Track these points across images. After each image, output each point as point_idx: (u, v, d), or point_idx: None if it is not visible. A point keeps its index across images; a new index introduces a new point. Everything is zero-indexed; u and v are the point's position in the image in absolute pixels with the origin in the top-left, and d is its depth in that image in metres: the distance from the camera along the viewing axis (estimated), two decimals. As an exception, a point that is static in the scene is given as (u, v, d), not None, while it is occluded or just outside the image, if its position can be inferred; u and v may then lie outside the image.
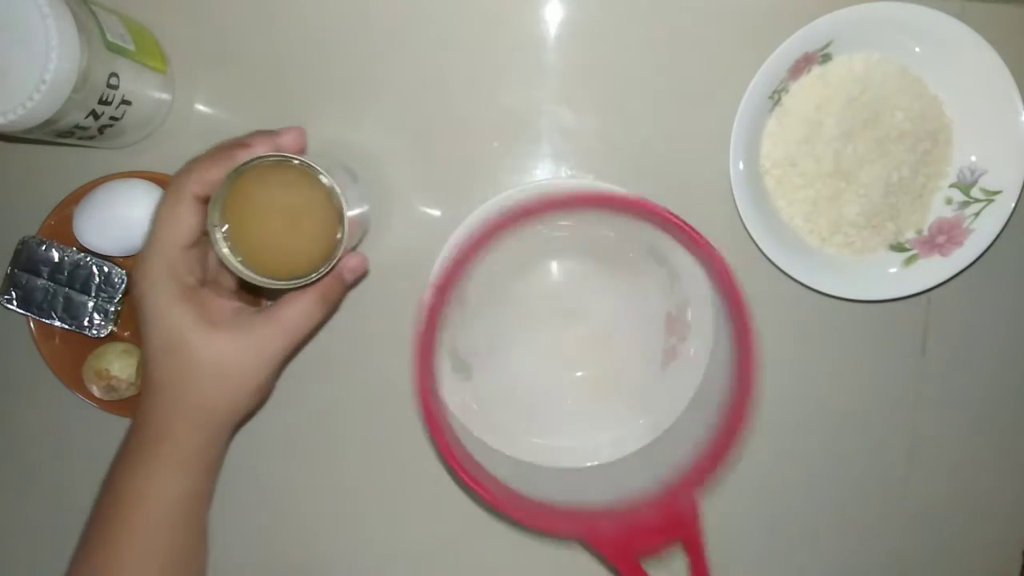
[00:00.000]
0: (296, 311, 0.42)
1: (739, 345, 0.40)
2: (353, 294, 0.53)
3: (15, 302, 0.51)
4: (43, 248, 0.51)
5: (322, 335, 0.53)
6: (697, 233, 0.39)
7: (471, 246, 0.38)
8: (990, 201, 0.49)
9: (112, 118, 0.46)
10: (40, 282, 0.51)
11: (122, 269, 0.51)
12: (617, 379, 0.51)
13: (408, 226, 0.53)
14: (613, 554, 0.41)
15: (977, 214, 0.50)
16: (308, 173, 0.40)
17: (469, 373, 0.50)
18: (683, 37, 0.51)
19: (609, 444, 0.49)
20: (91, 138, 0.47)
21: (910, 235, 0.51)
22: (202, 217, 0.40)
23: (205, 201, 0.40)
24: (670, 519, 0.40)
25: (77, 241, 0.50)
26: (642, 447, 0.49)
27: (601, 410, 0.50)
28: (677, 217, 0.39)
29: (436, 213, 0.53)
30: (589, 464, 0.49)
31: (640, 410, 0.49)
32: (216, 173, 0.40)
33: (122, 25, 0.47)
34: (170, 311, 0.40)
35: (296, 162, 0.40)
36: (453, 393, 0.49)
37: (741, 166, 0.48)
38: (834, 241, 0.51)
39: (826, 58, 0.49)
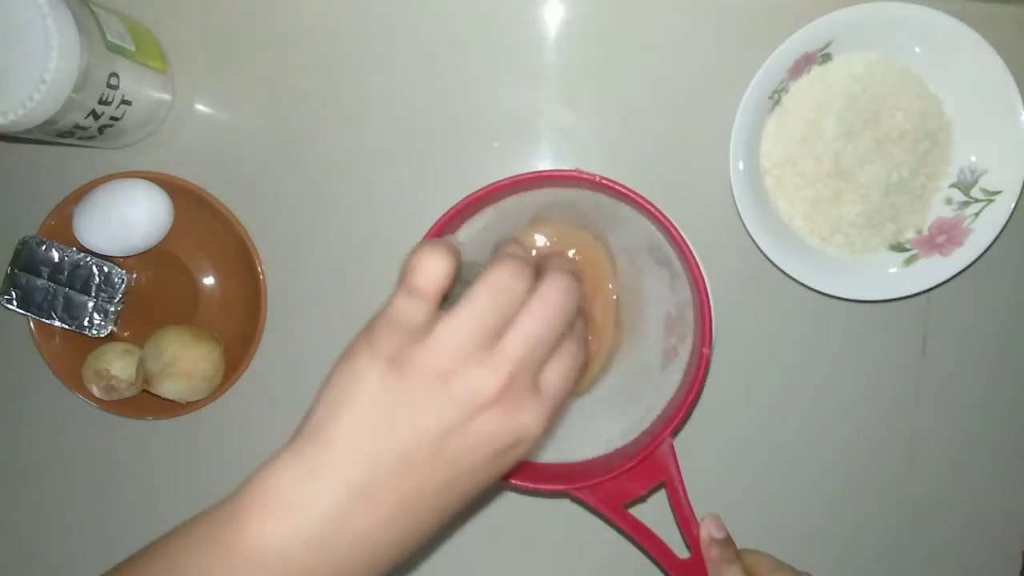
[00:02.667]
0: None
1: (693, 287, 0.44)
2: (344, 295, 0.53)
3: (15, 302, 0.51)
4: (43, 248, 0.51)
5: (318, 337, 0.53)
6: (628, 189, 0.43)
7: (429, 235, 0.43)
8: (990, 201, 0.49)
9: (112, 118, 0.46)
10: (40, 282, 0.51)
11: (122, 269, 0.51)
12: (617, 380, 0.51)
13: (406, 226, 0.53)
14: (600, 504, 0.44)
15: (977, 214, 0.49)
16: None
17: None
18: (683, 37, 0.51)
19: (606, 443, 0.49)
20: (91, 138, 0.47)
21: (910, 235, 0.51)
22: None
23: None
24: (649, 465, 0.44)
25: (77, 241, 0.50)
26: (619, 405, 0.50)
27: (601, 411, 0.50)
28: (609, 179, 0.43)
29: (435, 213, 0.52)
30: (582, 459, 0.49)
31: (639, 410, 0.49)
32: None
33: (122, 25, 0.47)
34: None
35: None
36: None
37: (741, 166, 0.48)
38: (834, 241, 0.51)
39: (826, 58, 0.49)
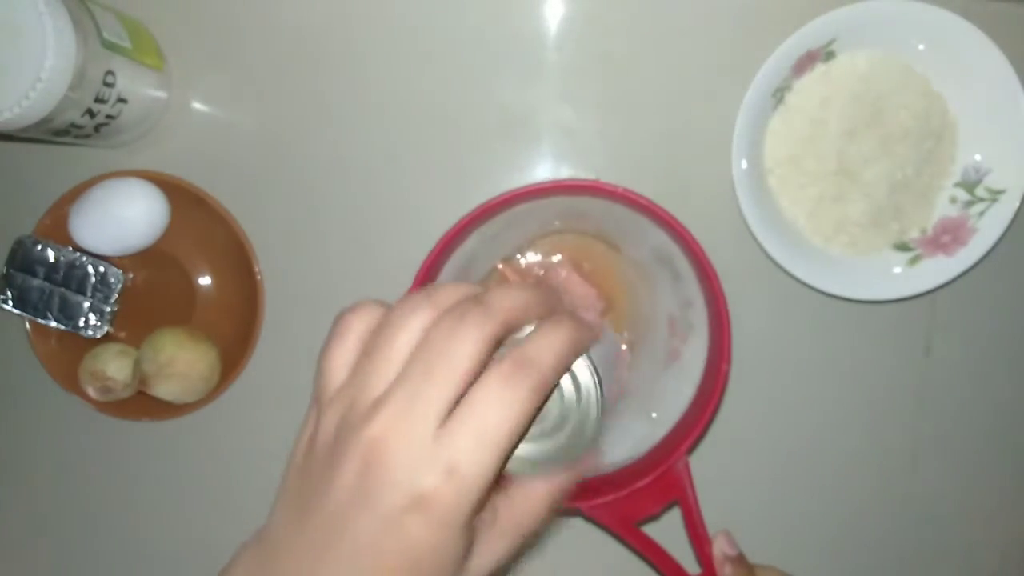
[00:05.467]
0: (530, 511, 0.30)
1: (711, 304, 0.43)
2: (342, 295, 0.52)
3: (11, 302, 0.51)
4: (39, 248, 0.50)
5: (315, 338, 0.53)
6: (654, 205, 0.41)
7: (442, 243, 0.41)
8: (995, 200, 0.49)
9: (108, 116, 0.46)
10: (36, 282, 0.50)
11: (118, 269, 0.51)
12: (626, 392, 0.50)
13: (405, 226, 0.52)
14: (613, 523, 0.43)
15: (982, 213, 0.49)
16: None
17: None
18: (685, 34, 0.51)
19: (613, 446, 0.48)
20: (87, 136, 0.47)
21: (914, 234, 0.51)
22: None
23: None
24: (664, 482, 0.43)
25: (73, 241, 0.49)
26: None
27: (607, 426, 0.50)
28: (632, 192, 0.41)
29: (433, 212, 0.52)
30: None
31: (642, 411, 0.49)
32: None
33: (118, 22, 0.46)
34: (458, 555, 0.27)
35: None
36: None
37: (744, 165, 0.48)
38: (838, 240, 0.50)
39: (830, 55, 0.48)
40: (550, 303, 0.30)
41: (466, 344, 0.26)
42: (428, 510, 0.25)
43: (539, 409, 0.27)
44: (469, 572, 0.28)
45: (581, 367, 0.30)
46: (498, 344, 0.27)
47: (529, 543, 0.30)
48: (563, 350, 0.28)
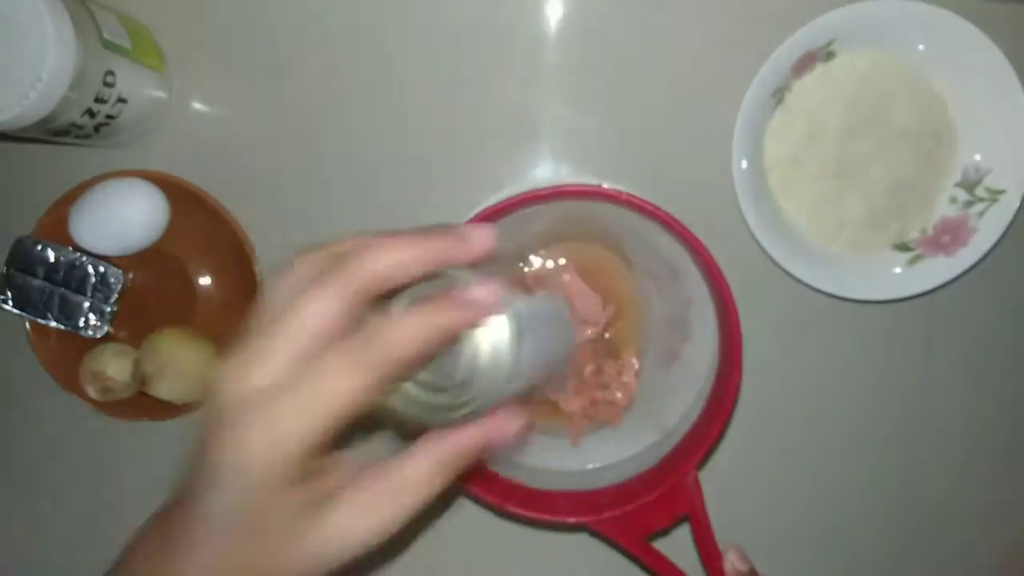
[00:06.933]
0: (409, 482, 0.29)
1: (722, 315, 0.42)
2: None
3: (11, 302, 0.51)
4: (39, 248, 0.50)
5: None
6: (663, 212, 0.40)
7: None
8: (995, 200, 0.49)
9: (108, 116, 0.46)
10: (36, 282, 0.50)
11: (118, 269, 0.51)
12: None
13: (405, 226, 0.52)
14: (621, 537, 0.42)
15: (982, 213, 0.49)
16: None
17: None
18: (685, 35, 0.51)
19: (613, 446, 0.48)
20: (87, 137, 0.47)
21: (914, 235, 0.51)
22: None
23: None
24: (674, 496, 0.42)
25: (73, 241, 0.49)
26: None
27: (611, 436, 0.50)
28: (637, 198, 0.40)
29: (435, 214, 0.52)
30: (591, 466, 0.48)
31: (650, 419, 0.48)
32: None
33: (119, 23, 0.46)
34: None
35: None
36: None
37: (744, 165, 0.48)
38: (838, 241, 0.50)
39: (830, 56, 0.48)
40: (435, 258, 0.29)
41: (313, 302, 0.27)
42: (244, 464, 0.27)
43: (384, 384, 0.27)
44: (318, 543, 0.28)
45: (501, 329, 0.29)
46: (366, 299, 0.28)
47: (408, 515, 0.29)
48: (419, 335, 0.27)
